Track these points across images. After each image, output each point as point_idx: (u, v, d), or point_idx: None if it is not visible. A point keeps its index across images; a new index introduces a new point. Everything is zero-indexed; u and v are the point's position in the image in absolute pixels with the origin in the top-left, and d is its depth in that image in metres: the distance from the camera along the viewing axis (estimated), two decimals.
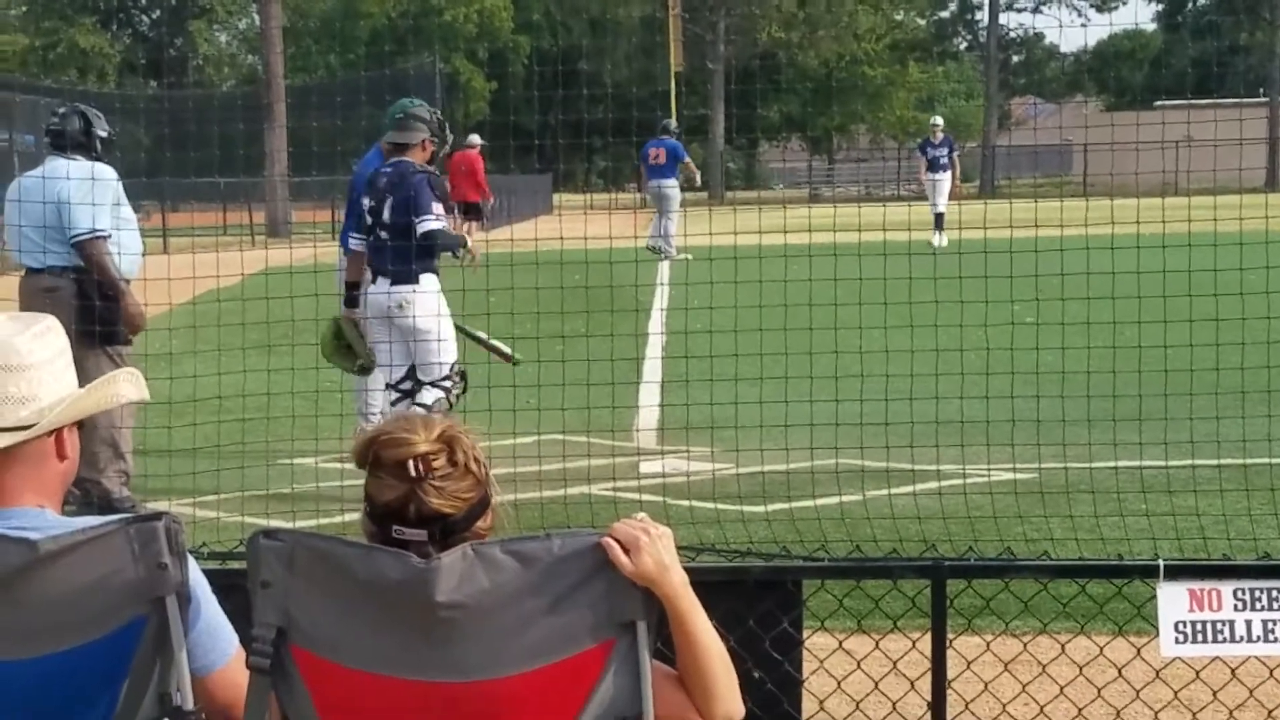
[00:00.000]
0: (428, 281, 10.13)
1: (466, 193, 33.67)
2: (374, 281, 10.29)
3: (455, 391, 10.06)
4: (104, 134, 10.00)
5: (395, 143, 10.41)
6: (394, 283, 10.12)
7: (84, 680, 3.23)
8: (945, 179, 32.90)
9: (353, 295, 10.53)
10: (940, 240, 27.83)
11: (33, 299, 9.60)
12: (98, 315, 9.46)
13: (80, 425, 3.47)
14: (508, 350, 10.39)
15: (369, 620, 3.13)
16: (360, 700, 3.15)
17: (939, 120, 35.66)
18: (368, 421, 10.89)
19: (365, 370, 10.77)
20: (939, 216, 31.05)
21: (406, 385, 10.15)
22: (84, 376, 3.53)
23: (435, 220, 10.03)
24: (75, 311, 9.32)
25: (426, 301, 10.08)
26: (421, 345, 10.04)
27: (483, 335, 10.49)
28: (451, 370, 10.10)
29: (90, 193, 9.45)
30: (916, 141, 77.07)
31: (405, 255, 10.02)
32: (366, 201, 10.32)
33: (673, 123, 29.97)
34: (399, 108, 10.58)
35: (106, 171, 9.75)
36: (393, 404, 10.22)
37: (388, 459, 3.23)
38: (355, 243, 10.50)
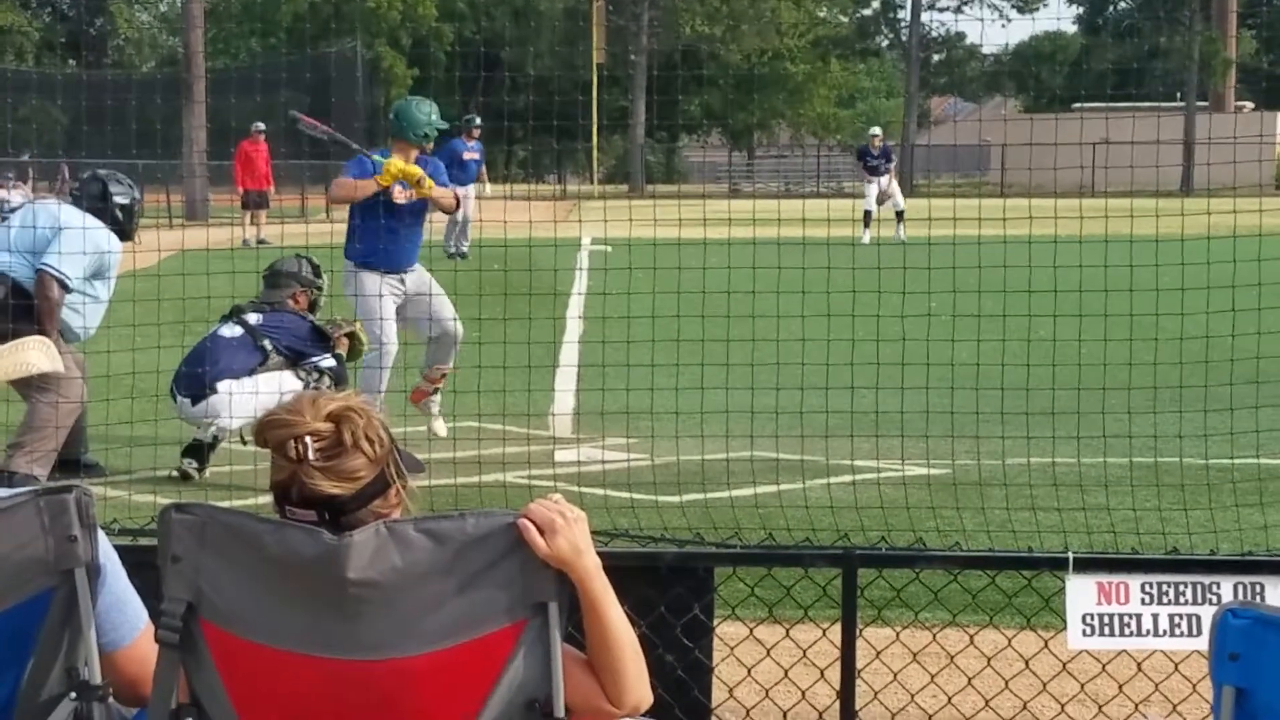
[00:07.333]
0: None
1: (251, 181, 33.55)
2: None
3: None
4: (124, 202, 9.81)
5: (268, 301, 10.44)
6: None
7: None
8: (882, 181, 33.73)
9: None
10: (900, 233, 28.07)
11: None
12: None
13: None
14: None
15: (280, 596, 3.12)
16: (269, 676, 3.13)
17: (878, 130, 36.83)
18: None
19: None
20: (868, 215, 31.55)
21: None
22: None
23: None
24: None
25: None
26: None
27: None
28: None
29: (78, 242, 9.26)
30: (837, 138, 77.56)
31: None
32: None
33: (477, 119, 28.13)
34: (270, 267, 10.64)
35: (100, 238, 9.47)
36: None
37: (272, 440, 3.23)
38: None
